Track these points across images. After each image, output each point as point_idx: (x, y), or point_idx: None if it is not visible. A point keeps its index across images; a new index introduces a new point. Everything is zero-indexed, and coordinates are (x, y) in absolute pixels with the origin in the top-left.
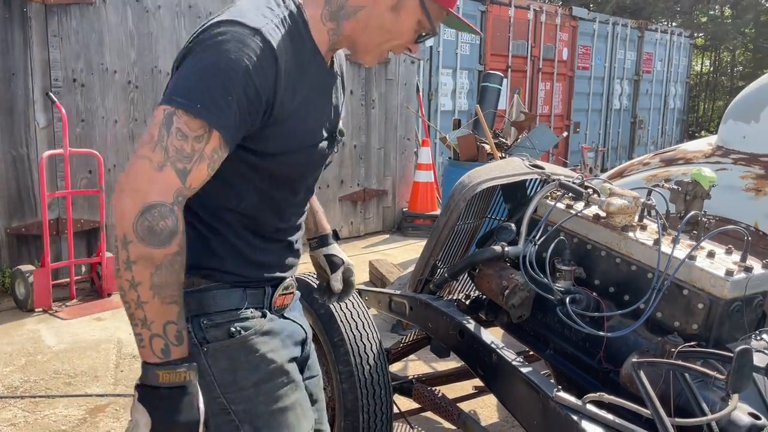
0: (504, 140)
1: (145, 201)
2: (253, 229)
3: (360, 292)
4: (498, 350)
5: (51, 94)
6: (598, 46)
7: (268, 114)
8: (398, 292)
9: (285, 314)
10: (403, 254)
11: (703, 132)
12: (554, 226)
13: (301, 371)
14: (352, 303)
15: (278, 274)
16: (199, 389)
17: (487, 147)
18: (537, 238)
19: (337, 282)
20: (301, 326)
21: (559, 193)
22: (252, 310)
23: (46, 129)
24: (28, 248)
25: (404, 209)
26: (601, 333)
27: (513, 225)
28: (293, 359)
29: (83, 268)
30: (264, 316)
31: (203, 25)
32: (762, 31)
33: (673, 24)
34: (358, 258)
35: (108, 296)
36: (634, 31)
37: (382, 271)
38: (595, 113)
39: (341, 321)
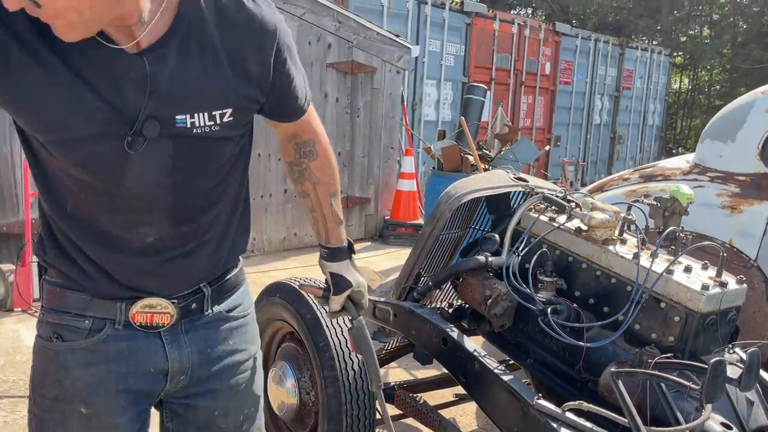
0: (487, 152)
1: None
2: (91, 236)
3: None
4: (480, 358)
5: None
6: (580, 61)
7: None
8: (382, 299)
9: (164, 335)
10: (384, 262)
11: (680, 149)
12: (537, 238)
13: (187, 398)
14: None
15: (133, 291)
16: None
17: (471, 158)
18: (520, 249)
19: (335, 303)
20: (167, 356)
21: (542, 206)
22: (91, 320)
23: None
24: (8, 247)
25: (386, 217)
26: (581, 343)
27: (497, 236)
28: (125, 391)
29: None
30: (100, 330)
31: None
32: (739, 52)
33: (654, 42)
34: None
35: None
36: (615, 48)
37: (364, 278)
38: (575, 127)
39: (326, 326)
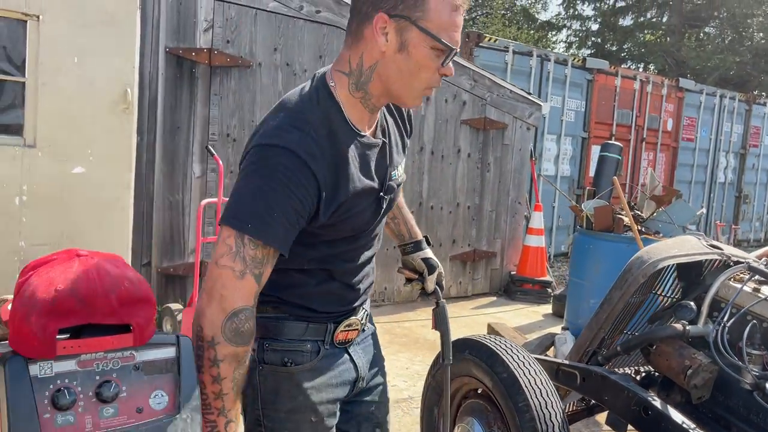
0: (639, 212)
1: (233, 307)
2: (320, 276)
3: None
4: (690, 430)
5: (210, 147)
6: (704, 117)
7: (314, 215)
8: (566, 361)
9: (349, 349)
10: (515, 318)
11: None
12: (742, 309)
13: (357, 396)
14: (535, 370)
15: (341, 310)
16: None
17: (624, 219)
18: (725, 319)
19: (431, 283)
20: (355, 366)
21: (746, 276)
22: (310, 343)
23: (200, 179)
24: (174, 288)
25: (511, 272)
26: None
27: (693, 304)
28: (334, 400)
29: None
30: (318, 351)
31: (250, 142)
32: None
33: None
34: (470, 319)
35: None
36: (742, 104)
37: (504, 335)
38: (698, 185)
39: (525, 386)
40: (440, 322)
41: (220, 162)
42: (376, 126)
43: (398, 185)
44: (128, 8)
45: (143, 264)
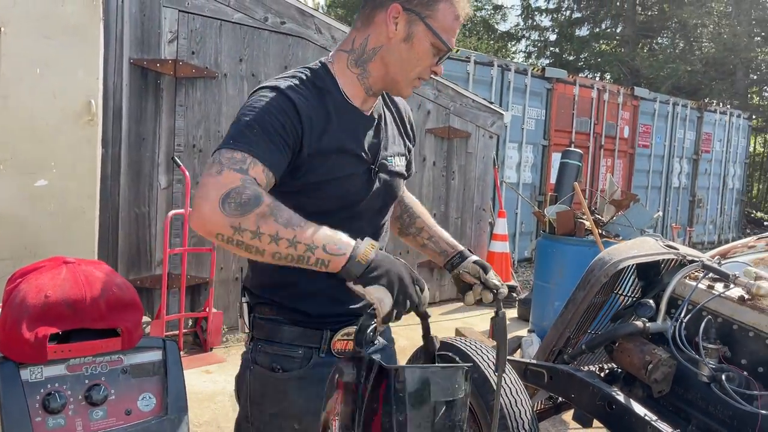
0: (599, 217)
1: (218, 196)
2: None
3: None
4: (652, 423)
5: (176, 158)
6: (658, 125)
7: (299, 148)
8: (534, 361)
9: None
10: (482, 323)
11: (758, 212)
12: (698, 305)
13: None
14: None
15: (337, 315)
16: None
17: (585, 223)
18: (682, 316)
19: (496, 279)
20: None
21: (700, 274)
22: (302, 349)
23: (166, 190)
24: (142, 300)
25: None
26: (763, 411)
27: (652, 302)
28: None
29: (189, 322)
30: (310, 359)
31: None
32: None
33: (728, 105)
34: (439, 324)
35: (210, 350)
36: (694, 112)
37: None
38: (654, 190)
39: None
40: (499, 333)
41: (187, 173)
42: (372, 109)
43: (398, 175)
44: (91, 20)
45: None
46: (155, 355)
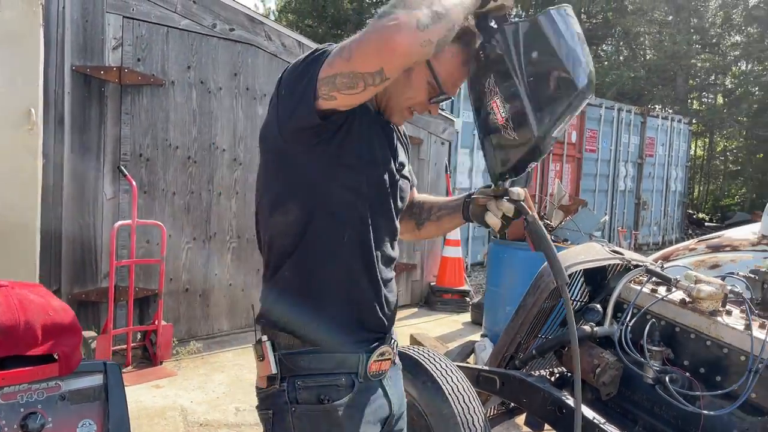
0: (549, 222)
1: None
2: (362, 259)
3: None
4: (601, 426)
5: (122, 167)
6: (604, 130)
7: (346, 119)
8: (486, 367)
9: (384, 382)
10: (436, 328)
11: (700, 213)
12: (642, 309)
13: None
14: (457, 377)
15: (369, 334)
16: None
17: None
18: (627, 320)
19: (513, 194)
20: (389, 402)
21: (644, 278)
22: (344, 377)
23: (112, 200)
24: (86, 314)
25: (431, 283)
26: (705, 412)
27: (599, 306)
28: None
29: (138, 336)
30: (353, 385)
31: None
32: (757, 120)
33: (670, 110)
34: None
35: (160, 364)
36: (638, 117)
37: (426, 345)
38: (601, 194)
39: (449, 394)
40: (539, 241)
41: (133, 182)
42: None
43: (408, 182)
44: (31, 26)
45: (52, 291)
46: (95, 380)
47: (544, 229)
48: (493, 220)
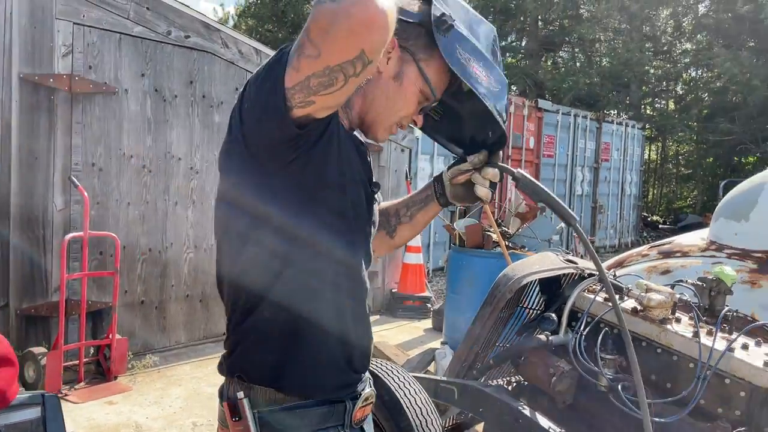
0: (506, 229)
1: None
2: (349, 291)
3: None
4: None
5: (73, 178)
6: (561, 135)
7: (326, 128)
8: (444, 378)
9: (365, 427)
10: (397, 335)
11: (654, 216)
12: (595, 317)
13: None
14: (415, 390)
15: (358, 377)
16: None
17: (493, 236)
18: (582, 328)
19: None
20: None
21: (597, 287)
22: (332, 429)
23: (62, 211)
24: (36, 330)
25: (393, 290)
26: (657, 419)
27: (554, 316)
28: None
29: (91, 350)
30: None
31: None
32: (707, 125)
33: (624, 116)
34: None
35: (114, 379)
36: (593, 123)
37: (387, 353)
38: (559, 199)
39: (407, 407)
40: (535, 193)
41: (85, 193)
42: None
43: (377, 205)
44: None
45: (0, 306)
46: (33, 413)
47: (536, 180)
48: (484, 190)
